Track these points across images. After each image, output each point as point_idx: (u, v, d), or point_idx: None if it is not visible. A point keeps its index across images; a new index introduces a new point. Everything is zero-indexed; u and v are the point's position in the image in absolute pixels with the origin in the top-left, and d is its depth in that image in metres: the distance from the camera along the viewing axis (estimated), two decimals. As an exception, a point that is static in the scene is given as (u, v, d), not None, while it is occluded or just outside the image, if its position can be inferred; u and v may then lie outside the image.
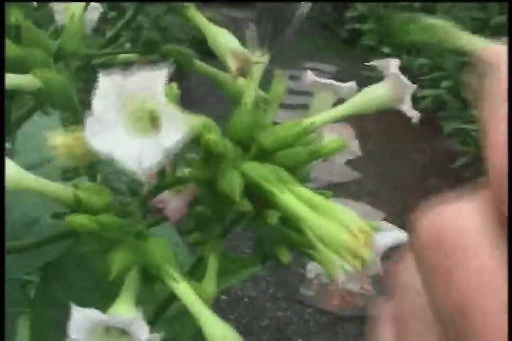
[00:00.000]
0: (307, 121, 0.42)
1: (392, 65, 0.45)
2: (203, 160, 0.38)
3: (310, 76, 0.50)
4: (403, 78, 0.45)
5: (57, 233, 0.49)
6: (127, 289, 0.38)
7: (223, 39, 0.47)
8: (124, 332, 0.36)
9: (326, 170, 3.62)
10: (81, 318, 0.36)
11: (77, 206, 0.38)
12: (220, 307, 2.48)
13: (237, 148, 0.41)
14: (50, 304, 0.66)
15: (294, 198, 0.37)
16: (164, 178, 0.41)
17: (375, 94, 0.46)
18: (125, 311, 0.36)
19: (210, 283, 0.44)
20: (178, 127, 0.33)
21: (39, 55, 0.43)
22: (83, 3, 0.46)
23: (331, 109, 0.46)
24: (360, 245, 0.35)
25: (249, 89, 0.44)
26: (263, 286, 2.71)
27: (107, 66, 0.55)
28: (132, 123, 0.34)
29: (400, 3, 5.27)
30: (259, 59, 0.46)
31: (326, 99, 0.49)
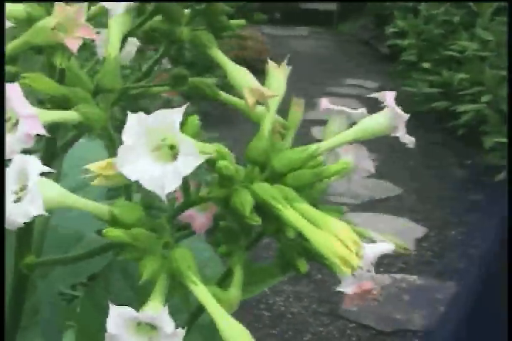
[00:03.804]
0: (313, 147, 0.49)
1: (389, 97, 0.51)
2: (219, 181, 0.45)
3: (325, 103, 0.56)
4: (398, 109, 0.51)
5: (100, 246, 0.54)
6: (157, 291, 0.44)
7: (241, 76, 0.53)
8: (153, 326, 0.42)
9: (367, 187, 3.65)
10: (116, 315, 0.42)
11: (112, 221, 0.45)
12: (263, 322, 2.51)
13: (255, 168, 0.47)
14: (96, 312, 0.71)
15: (295, 213, 0.44)
16: (189, 197, 0.47)
17: (375, 123, 0.52)
18: (154, 309, 0.43)
19: (235, 290, 0.49)
20: (193, 156, 0.40)
21: (80, 92, 0.50)
22: (118, 44, 0.52)
23: (336, 137, 0.52)
24: (351, 254, 0.41)
25: (267, 119, 0.51)
26: (306, 302, 2.73)
27: (142, 96, 0.62)
28: (155, 153, 0.41)
29: (440, 18, 5.26)
30: (274, 92, 0.52)
31: (339, 123, 0.55)
